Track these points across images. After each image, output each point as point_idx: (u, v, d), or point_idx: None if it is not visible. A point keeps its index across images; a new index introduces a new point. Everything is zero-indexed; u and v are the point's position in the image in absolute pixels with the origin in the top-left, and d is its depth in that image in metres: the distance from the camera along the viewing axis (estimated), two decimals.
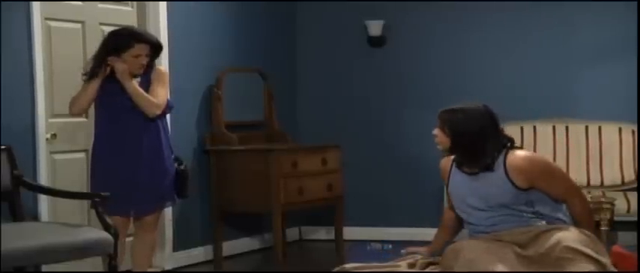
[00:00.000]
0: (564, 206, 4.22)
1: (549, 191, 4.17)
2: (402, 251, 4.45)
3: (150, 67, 5.57)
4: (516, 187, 4.12)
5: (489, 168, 4.15)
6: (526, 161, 4.15)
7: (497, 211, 4.16)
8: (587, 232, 4.08)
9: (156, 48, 5.56)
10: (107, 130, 5.48)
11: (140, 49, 5.44)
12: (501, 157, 4.15)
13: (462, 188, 4.26)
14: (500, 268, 3.88)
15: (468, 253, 3.95)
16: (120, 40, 5.43)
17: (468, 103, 4.27)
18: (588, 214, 4.25)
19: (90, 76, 5.45)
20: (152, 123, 5.52)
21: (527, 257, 3.97)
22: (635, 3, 7.29)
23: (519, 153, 4.19)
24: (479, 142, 4.15)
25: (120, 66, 5.41)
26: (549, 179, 4.18)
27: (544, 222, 4.13)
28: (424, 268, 4.21)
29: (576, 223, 4.16)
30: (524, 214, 4.14)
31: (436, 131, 4.26)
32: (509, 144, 4.21)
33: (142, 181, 5.48)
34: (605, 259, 3.98)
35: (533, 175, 4.14)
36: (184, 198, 5.81)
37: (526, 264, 3.96)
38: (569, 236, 3.98)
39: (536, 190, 4.15)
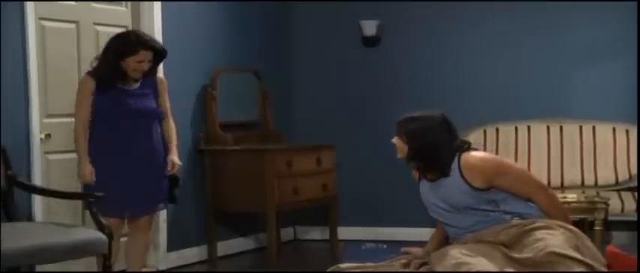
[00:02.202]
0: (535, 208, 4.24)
1: (510, 189, 4.21)
2: (402, 249, 4.49)
3: (153, 71, 5.57)
4: (474, 188, 4.17)
5: (445, 173, 4.23)
6: (478, 160, 4.20)
7: (465, 213, 4.21)
8: (571, 228, 4.08)
9: (160, 54, 5.55)
10: (105, 135, 5.44)
11: (144, 55, 5.42)
12: (456, 161, 4.21)
13: (429, 195, 4.34)
14: (490, 267, 3.88)
15: (453, 257, 3.96)
16: (126, 45, 5.40)
17: (427, 112, 4.35)
18: (558, 208, 4.25)
19: (102, 83, 5.41)
20: (150, 127, 5.53)
21: (515, 259, 3.97)
22: (629, 3, 7.29)
23: (473, 154, 4.23)
24: (435, 149, 4.24)
25: None
26: (505, 176, 4.20)
27: (517, 218, 4.14)
28: (418, 268, 4.21)
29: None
30: (492, 214, 4.17)
31: (395, 140, 4.33)
32: (465, 146, 4.27)
33: (138, 183, 5.47)
34: (592, 261, 3.97)
35: (488, 173, 4.18)
36: (173, 203, 5.82)
37: (515, 266, 3.96)
38: (555, 242, 3.96)
39: (498, 190, 4.18)
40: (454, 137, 4.29)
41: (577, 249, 3.96)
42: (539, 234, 4.00)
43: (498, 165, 4.23)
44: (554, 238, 3.96)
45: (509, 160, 4.24)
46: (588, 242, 4.06)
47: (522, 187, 4.22)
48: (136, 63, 5.41)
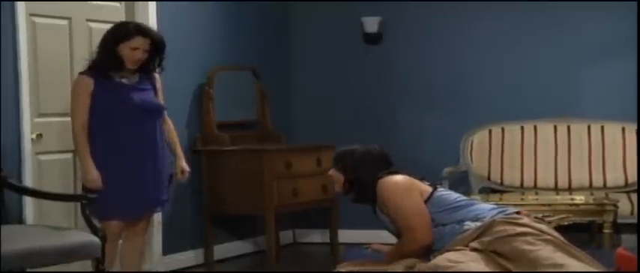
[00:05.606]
0: (465, 209, 4.30)
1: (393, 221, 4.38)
2: (370, 248, 4.66)
3: (153, 67, 5.51)
4: (386, 214, 4.40)
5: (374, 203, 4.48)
6: (378, 188, 4.38)
7: None
8: (553, 234, 4.11)
9: (158, 45, 5.46)
10: (106, 133, 5.35)
11: (139, 42, 5.35)
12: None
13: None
14: (481, 268, 3.95)
15: (443, 263, 4.02)
16: (122, 31, 5.37)
17: (365, 146, 4.55)
18: (412, 252, 4.30)
19: (98, 72, 5.32)
20: (153, 124, 5.45)
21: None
22: (636, 2, 7.24)
23: (385, 179, 4.38)
24: (369, 182, 4.43)
25: None
26: (389, 208, 4.36)
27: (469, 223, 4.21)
28: (421, 270, 4.21)
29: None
30: (444, 228, 4.25)
31: (332, 172, 4.55)
32: (384, 174, 4.40)
33: (142, 185, 5.39)
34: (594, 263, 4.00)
35: (381, 200, 4.38)
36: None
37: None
38: (546, 254, 3.97)
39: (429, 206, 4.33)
40: (390, 171, 4.45)
41: (570, 255, 3.99)
42: (527, 246, 4.00)
43: (385, 196, 4.37)
44: (544, 251, 3.98)
45: (403, 190, 4.38)
46: (576, 251, 4.06)
47: (400, 224, 4.34)
48: (130, 50, 5.33)
